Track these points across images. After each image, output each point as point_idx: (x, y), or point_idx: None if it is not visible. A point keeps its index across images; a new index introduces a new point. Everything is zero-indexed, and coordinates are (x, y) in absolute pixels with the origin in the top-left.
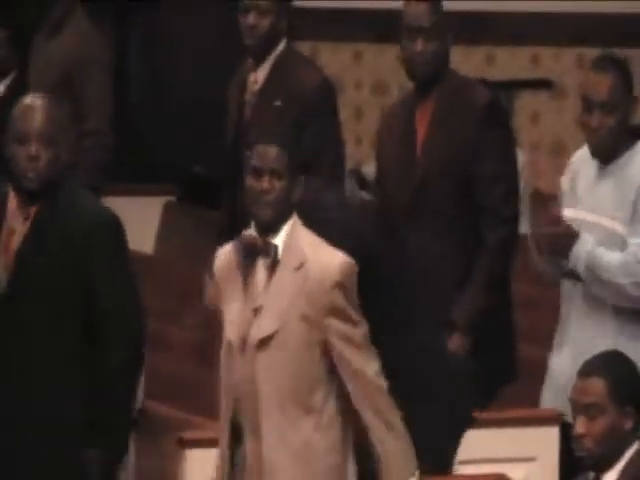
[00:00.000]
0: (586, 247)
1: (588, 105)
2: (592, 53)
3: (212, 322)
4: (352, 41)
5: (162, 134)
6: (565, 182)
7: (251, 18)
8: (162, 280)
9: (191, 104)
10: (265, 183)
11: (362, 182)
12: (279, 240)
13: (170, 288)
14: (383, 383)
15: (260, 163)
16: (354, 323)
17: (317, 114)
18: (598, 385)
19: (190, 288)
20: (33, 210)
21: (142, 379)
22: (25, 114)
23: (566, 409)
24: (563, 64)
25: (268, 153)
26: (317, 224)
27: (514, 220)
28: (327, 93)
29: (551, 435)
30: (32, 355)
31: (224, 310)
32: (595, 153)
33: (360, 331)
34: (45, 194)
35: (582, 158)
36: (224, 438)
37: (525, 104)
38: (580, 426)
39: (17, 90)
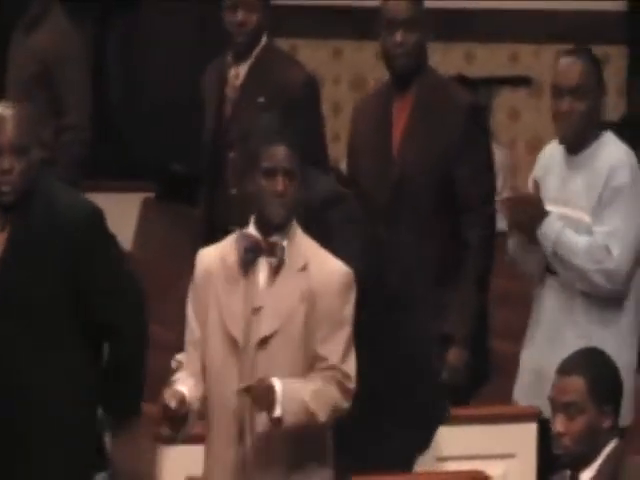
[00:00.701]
0: (555, 227)
1: (559, 92)
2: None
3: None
4: (331, 38)
5: (140, 132)
6: (532, 178)
7: (240, 15)
8: (140, 277)
9: (169, 102)
10: (280, 184)
11: (339, 179)
12: (284, 241)
13: (148, 285)
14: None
15: (272, 164)
16: (340, 335)
17: (302, 110)
18: (578, 384)
19: (169, 285)
20: (9, 219)
21: None
22: None
23: (536, 402)
24: (542, 61)
25: (279, 153)
26: (322, 217)
27: (492, 219)
28: (311, 89)
29: (529, 432)
30: (27, 362)
31: (212, 309)
32: (564, 139)
33: (343, 338)
34: (20, 203)
35: (551, 154)
36: (225, 432)
37: (504, 101)
38: (559, 424)
39: None
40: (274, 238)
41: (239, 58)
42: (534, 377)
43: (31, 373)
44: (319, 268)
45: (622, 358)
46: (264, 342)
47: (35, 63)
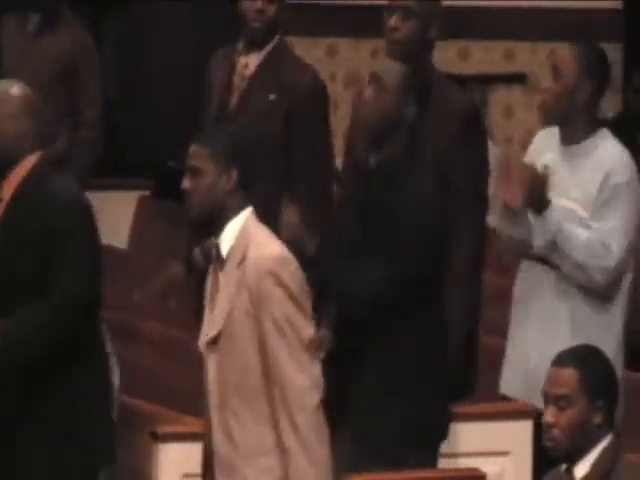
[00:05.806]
0: (556, 217)
1: (555, 74)
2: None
3: (186, 318)
4: (327, 36)
5: (136, 129)
6: (541, 164)
7: (259, 3)
8: (136, 274)
9: (165, 100)
10: (186, 183)
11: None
12: (226, 238)
13: (144, 282)
14: (310, 400)
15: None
16: (292, 324)
17: (308, 111)
18: (571, 376)
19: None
20: (7, 192)
21: (117, 377)
22: None
23: (526, 397)
24: (537, 59)
25: (190, 152)
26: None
27: (479, 238)
28: (318, 92)
29: (525, 429)
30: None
31: None
32: (549, 117)
33: (297, 335)
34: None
35: (543, 140)
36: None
37: (499, 98)
38: (549, 415)
39: None
40: (209, 238)
41: (251, 47)
42: (524, 373)
43: None
44: (252, 257)
45: (618, 356)
46: (212, 343)
47: (55, 65)
